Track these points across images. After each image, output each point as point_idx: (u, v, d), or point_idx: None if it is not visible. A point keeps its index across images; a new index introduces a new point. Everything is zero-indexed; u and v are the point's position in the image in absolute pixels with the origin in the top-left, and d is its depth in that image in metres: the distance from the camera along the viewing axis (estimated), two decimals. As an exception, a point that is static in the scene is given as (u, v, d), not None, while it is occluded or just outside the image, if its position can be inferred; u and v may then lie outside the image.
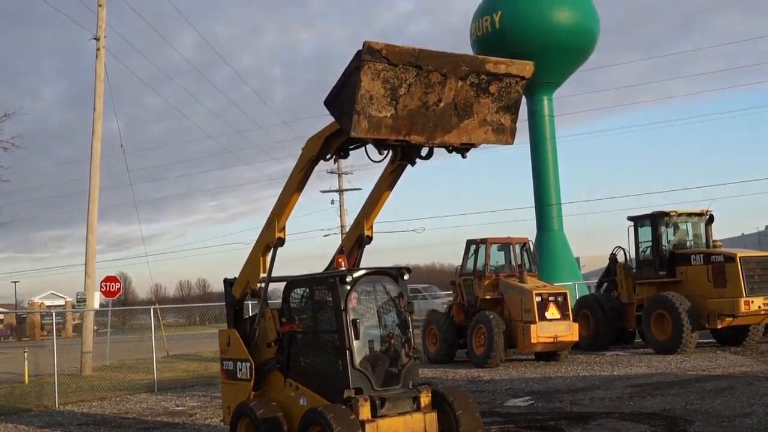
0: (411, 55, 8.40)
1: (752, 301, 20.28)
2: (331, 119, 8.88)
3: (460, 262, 22.57)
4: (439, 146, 9.24)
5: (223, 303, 11.21)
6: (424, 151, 9.49)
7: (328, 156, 9.54)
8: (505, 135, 9.46)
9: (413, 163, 9.72)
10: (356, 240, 10.48)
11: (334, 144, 9.33)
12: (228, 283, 11.13)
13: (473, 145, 9.42)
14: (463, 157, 9.59)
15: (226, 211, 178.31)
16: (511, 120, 9.46)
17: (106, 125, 40.62)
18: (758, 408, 11.99)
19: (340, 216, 58.45)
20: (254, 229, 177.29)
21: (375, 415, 8.98)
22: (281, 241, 10.12)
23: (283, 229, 10.10)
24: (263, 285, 10.42)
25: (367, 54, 8.12)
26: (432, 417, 9.37)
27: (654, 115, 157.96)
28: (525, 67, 9.36)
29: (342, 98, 8.46)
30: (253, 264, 10.54)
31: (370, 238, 10.46)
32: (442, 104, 8.85)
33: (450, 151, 9.39)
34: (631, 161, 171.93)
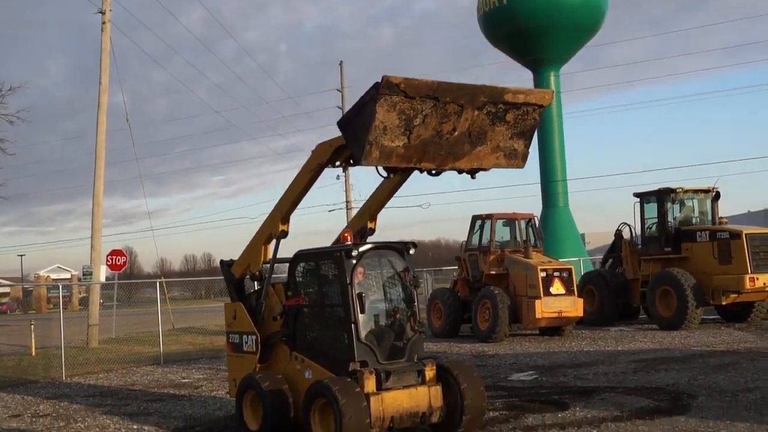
0: (429, 88, 8.42)
1: (757, 278, 20.31)
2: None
3: (466, 238, 22.60)
4: (448, 170, 9.32)
5: None
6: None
7: (337, 164, 9.51)
8: (516, 160, 9.60)
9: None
10: (359, 230, 10.58)
11: (343, 155, 9.30)
12: (225, 264, 11.22)
13: (484, 169, 9.50)
14: (473, 178, 9.74)
15: (231, 185, 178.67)
16: (524, 145, 9.58)
17: (112, 99, 40.57)
18: (762, 383, 12.03)
19: (346, 191, 58.40)
20: (259, 204, 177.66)
21: (380, 387, 9.01)
22: (284, 234, 10.17)
23: (287, 222, 10.11)
24: (268, 266, 10.45)
25: (385, 88, 8.13)
26: (437, 390, 9.41)
27: (662, 91, 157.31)
28: (544, 96, 9.47)
29: (356, 125, 8.49)
30: (254, 251, 10.60)
31: (372, 230, 10.65)
32: (456, 133, 8.93)
33: (459, 173, 9.48)
34: (639, 138, 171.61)
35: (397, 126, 8.40)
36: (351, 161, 9.29)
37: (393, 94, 8.19)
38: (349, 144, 8.69)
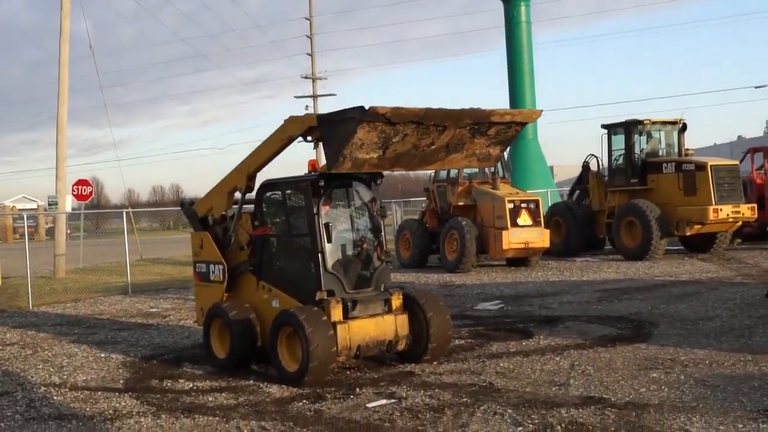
0: (416, 115, 8.34)
1: (721, 209, 20.59)
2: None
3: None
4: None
5: None
6: None
7: (309, 139, 9.35)
8: (489, 161, 9.77)
9: None
10: None
11: (314, 134, 9.14)
12: (187, 203, 11.19)
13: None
14: None
15: (198, 116, 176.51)
16: (500, 151, 9.67)
17: (75, 26, 39.60)
18: (721, 312, 12.29)
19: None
20: (227, 134, 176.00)
21: (346, 316, 9.09)
22: (250, 189, 10.07)
23: (253, 179, 10.00)
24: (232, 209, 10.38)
25: (370, 116, 7.99)
26: (403, 319, 9.51)
27: (632, 22, 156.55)
28: (532, 116, 9.61)
29: (333, 134, 8.34)
30: (218, 197, 10.50)
31: None
32: (434, 146, 8.90)
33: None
34: (608, 70, 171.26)
35: (374, 143, 8.34)
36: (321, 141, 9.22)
37: (377, 121, 8.10)
38: (324, 146, 8.59)
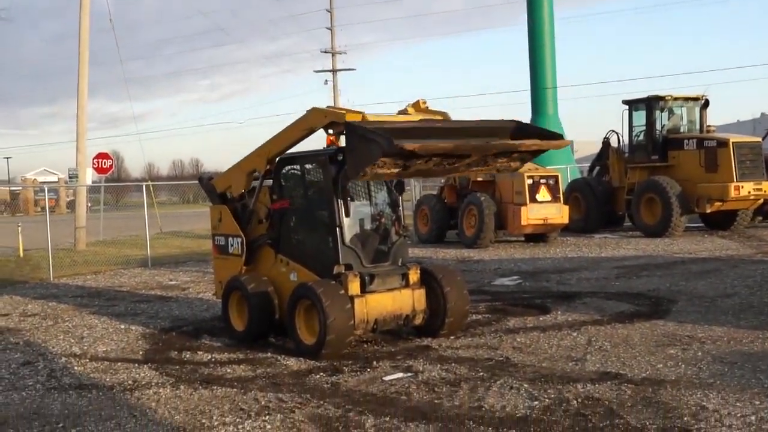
0: (443, 149, 8.31)
1: (742, 186, 20.42)
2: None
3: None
4: None
5: None
6: None
7: (330, 132, 9.28)
8: (508, 171, 9.68)
9: None
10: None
11: (337, 128, 9.05)
12: (205, 178, 11.26)
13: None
14: None
15: (217, 90, 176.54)
16: (521, 164, 9.50)
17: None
18: (741, 289, 12.22)
19: (334, 97, 57.98)
20: (247, 108, 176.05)
21: (364, 290, 9.12)
22: (269, 173, 10.05)
23: (273, 163, 9.97)
24: (257, 182, 10.38)
25: (395, 151, 7.84)
26: (420, 293, 9.53)
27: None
28: (560, 145, 9.45)
29: (356, 147, 8.18)
30: (238, 177, 10.51)
31: None
32: (456, 165, 8.83)
33: None
34: (630, 45, 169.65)
35: (396, 163, 8.24)
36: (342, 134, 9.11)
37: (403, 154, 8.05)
38: (346, 154, 8.46)
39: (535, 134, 9.26)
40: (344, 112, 8.88)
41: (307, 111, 9.42)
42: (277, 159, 10.02)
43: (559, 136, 9.36)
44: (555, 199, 20.56)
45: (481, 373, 7.98)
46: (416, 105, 9.64)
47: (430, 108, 9.62)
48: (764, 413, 6.34)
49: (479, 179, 21.29)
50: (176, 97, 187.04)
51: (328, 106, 9.68)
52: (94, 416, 7.19)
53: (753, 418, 6.25)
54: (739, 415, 6.33)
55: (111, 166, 30.30)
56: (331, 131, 9.17)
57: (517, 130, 9.28)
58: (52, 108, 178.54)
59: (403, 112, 9.62)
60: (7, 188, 70.23)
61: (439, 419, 6.57)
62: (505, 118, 9.54)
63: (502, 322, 10.69)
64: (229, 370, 8.70)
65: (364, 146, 8.03)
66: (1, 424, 7.08)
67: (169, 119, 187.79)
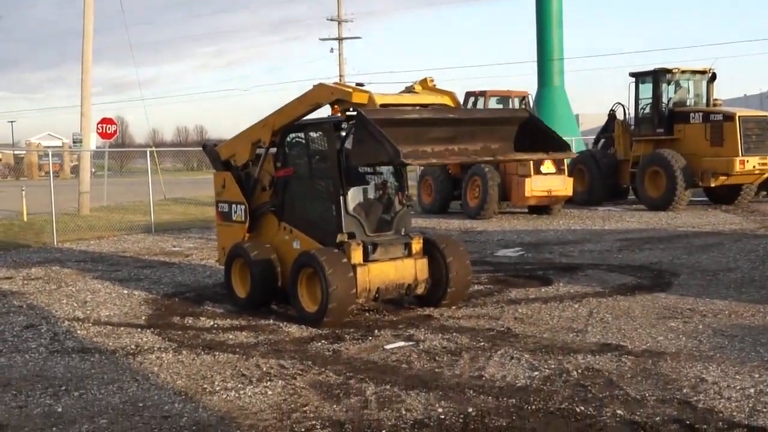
0: (448, 162, 8.52)
1: (747, 161, 20.38)
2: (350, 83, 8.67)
3: (458, 114, 22.43)
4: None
5: None
6: None
7: (336, 107, 9.23)
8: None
9: None
10: None
11: (343, 105, 9.01)
12: (210, 146, 11.23)
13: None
14: None
15: (223, 57, 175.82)
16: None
17: (100, -38, 39.37)
18: (743, 263, 12.23)
19: (339, 65, 57.73)
20: (253, 76, 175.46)
21: (366, 259, 9.12)
22: (273, 144, 10.01)
23: (277, 135, 9.93)
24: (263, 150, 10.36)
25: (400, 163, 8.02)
26: (423, 263, 9.53)
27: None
28: (565, 156, 9.98)
29: (364, 140, 8.15)
30: (242, 146, 10.49)
31: None
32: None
33: None
34: (638, 17, 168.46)
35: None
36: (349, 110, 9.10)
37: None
38: (353, 140, 8.49)
39: (543, 133, 9.17)
40: (351, 90, 8.83)
41: (314, 86, 9.39)
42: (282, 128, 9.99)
43: (566, 146, 9.30)
44: (559, 171, 20.53)
45: (482, 343, 8.01)
46: (423, 83, 9.61)
47: (437, 87, 9.58)
48: (763, 386, 6.37)
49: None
50: (181, 63, 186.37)
51: (335, 83, 9.63)
52: (96, 380, 7.23)
53: (752, 390, 6.28)
54: (738, 387, 6.36)
55: (115, 131, 30.31)
56: (337, 106, 9.15)
57: (528, 122, 9.23)
58: (56, 72, 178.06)
59: (410, 89, 9.58)
60: (11, 152, 70.21)
61: (439, 388, 6.60)
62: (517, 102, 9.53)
63: (504, 292, 10.72)
64: (231, 337, 8.74)
65: (371, 145, 8.02)
66: (5, 386, 7.13)
67: (174, 85, 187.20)
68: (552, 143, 9.16)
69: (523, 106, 22.05)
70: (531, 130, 9.11)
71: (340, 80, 51.32)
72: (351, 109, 8.94)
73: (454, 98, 9.50)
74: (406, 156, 7.82)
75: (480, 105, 21.77)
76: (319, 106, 9.36)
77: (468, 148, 8.72)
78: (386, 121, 8.10)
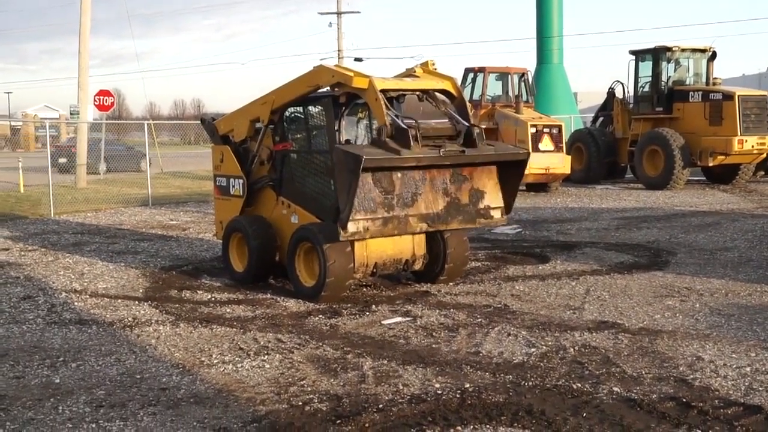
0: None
1: (746, 140, 20.36)
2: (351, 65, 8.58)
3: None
4: None
5: None
6: None
7: (337, 90, 9.11)
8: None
9: None
10: None
11: (344, 89, 8.86)
12: (208, 120, 11.16)
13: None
14: None
15: (221, 30, 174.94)
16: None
17: (98, -67, 39.05)
18: (740, 243, 12.25)
19: (338, 39, 57.44)
20: (251, 50, 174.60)
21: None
22: (272, 122, 9.94)
23: (276, 113, 9.85)
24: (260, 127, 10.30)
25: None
26: (420, 238, 9.53)
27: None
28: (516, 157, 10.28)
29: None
30: (240, 122, 10.42)
31: None
32: None
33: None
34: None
35: None
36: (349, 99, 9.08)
37: None
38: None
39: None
40: (352, 74, 8.75)
41: (315, 67, 9.31)
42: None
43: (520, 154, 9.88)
44: (558, 148, 20.49)
45: (480, 320, 8.03)
46: (425, 66, 9.56)
47: (438, 71, 9.53)
48: (759, 365, 6.39)
49: (482, 126, 21.11)
50: (179, 36, 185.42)
51: (336, 65, 9.54)
52: (94, 351, 7.24)
53: (748, 369, 6.30)
54: (734, 366, 6.38)
55: (112, 103, 30.14)
56: (337, 89, 9.06)
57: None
58: (53, 44, 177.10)
59: (411, 71, 9.53)
60: (8, 123, 69.88)
61: (436, 363, 6.62)
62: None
63: (502, 269, 10.73)
64: (228, 310, 8.75)
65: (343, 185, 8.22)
66: (2, 356, 7.14)
67: (172, 58, 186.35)
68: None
69: (523, 84, 21.97)
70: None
71: (339, 54, 51.13)
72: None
73: (455, 84, 9.46)
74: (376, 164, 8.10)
75: (479, 81, 21.68)
76: (319, 87, 9.30)
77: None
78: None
